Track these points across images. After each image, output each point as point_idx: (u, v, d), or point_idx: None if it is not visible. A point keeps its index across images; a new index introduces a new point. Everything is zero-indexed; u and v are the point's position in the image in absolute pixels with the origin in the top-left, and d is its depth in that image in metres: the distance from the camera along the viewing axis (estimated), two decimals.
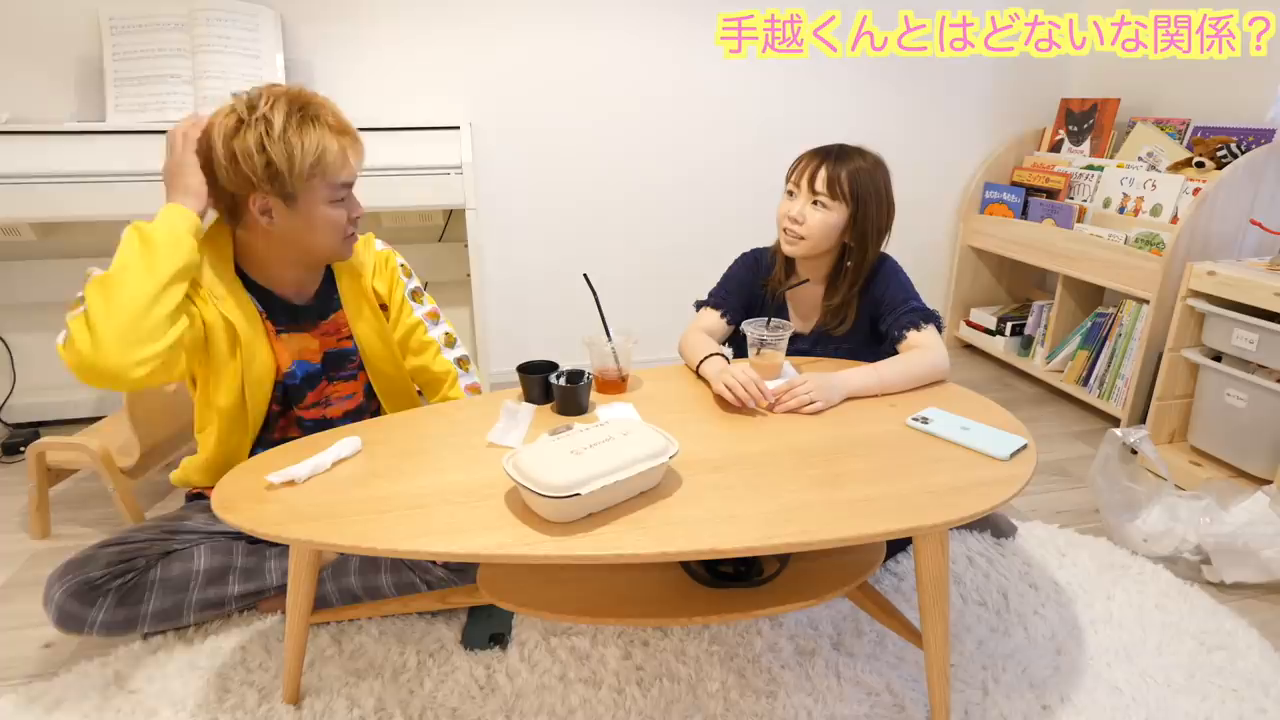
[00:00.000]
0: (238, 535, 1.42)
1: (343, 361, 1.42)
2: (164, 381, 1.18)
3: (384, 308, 1.45)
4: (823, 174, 1.46)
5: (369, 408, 1.48)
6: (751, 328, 1.44)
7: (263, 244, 1.30)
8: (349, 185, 1.29)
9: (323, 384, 1.41)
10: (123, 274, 1.12)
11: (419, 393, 1.55)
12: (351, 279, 1.41)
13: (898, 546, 1.62)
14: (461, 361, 1.52)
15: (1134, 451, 1.88)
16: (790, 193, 1.52)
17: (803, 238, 1.49)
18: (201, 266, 1.25)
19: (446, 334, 1.51)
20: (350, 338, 1.42)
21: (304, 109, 1.21)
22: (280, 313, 1.35)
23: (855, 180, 1.46)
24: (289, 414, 1.40)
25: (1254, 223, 2.08)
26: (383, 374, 1.46)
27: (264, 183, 1.20)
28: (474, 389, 1.51)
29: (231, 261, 1.31)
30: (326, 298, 1.40)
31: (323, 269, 1.40)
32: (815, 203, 1.47)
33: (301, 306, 1.38)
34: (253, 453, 1.39)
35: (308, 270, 1.37)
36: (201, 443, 1.37)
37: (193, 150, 1.22)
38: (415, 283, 1.50)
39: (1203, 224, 2.06)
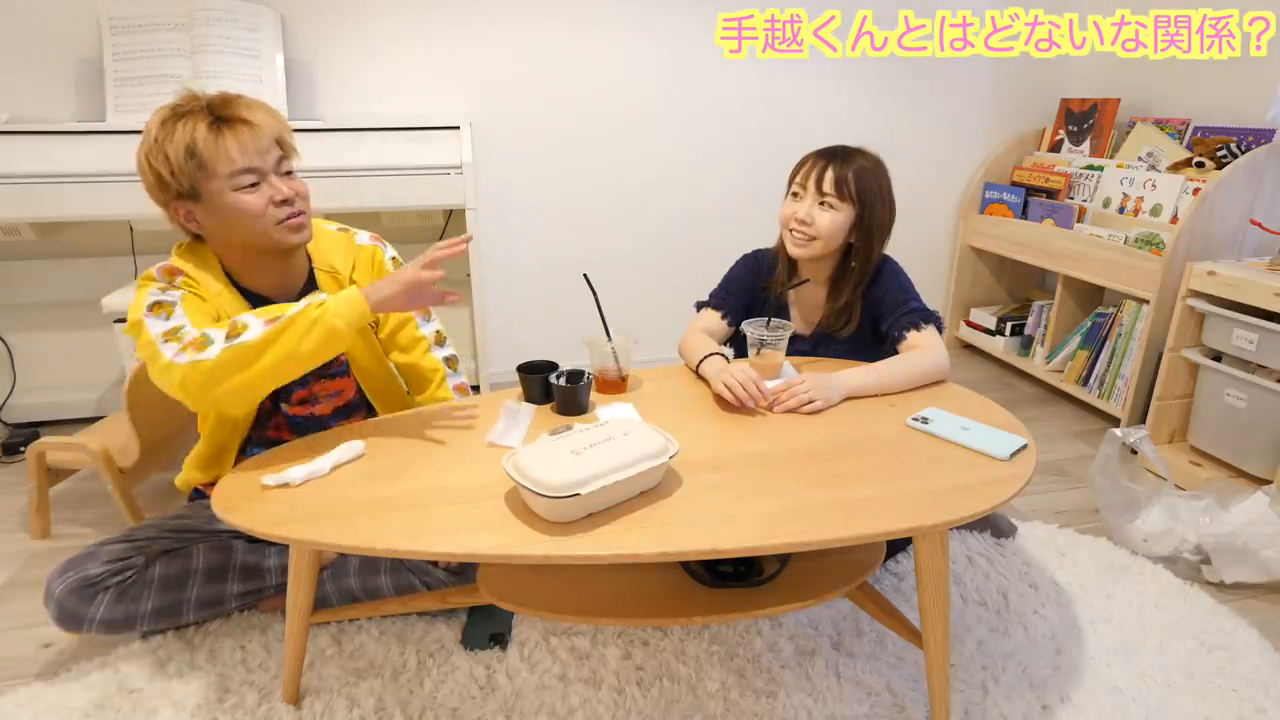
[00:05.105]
0: (237, 534, 1.42)
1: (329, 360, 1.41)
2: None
3: None
4: (830, 175, 1.46)
5: (360, 405, 1.47)
6: (751, 328, 1.44)
7: (224, 250, 1.29)
8: (253, 170, 1.20)
9: (309, 381, 1.39)
10: (269, 349, 1.14)
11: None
12: (330, 277, 1.38)
13: (898, 546, 1.61)
14: (450, 360, 1.51)
15: (1134, 451, 1.88)
16: (795, 194, 1.51)
17: (814, 239, 1.49)
18: (196, 274, 1.25)
19: (437, 331, 1.51)
20: None
21: (177, 108, 1.19)
22: None
23: (861, 180, 1.46)
24: (279, 410, 1.39)
25: (1254, 223, 2.08)
26: (368, 372, 1.44)
27: (160, 192, 1.20)
28: (462, 389, 1.51)
29: (219, 268, 1.30)
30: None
31: (300, 267, 1.36)
32: (823, 204, 1.47)
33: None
34: (246, 448, 1.40)
35: (276, 265, 1.31)
36: (202, 434, 1.37)
37: (429, 283, 1.21)
38: None
39: (1203, 224, 2.06)
